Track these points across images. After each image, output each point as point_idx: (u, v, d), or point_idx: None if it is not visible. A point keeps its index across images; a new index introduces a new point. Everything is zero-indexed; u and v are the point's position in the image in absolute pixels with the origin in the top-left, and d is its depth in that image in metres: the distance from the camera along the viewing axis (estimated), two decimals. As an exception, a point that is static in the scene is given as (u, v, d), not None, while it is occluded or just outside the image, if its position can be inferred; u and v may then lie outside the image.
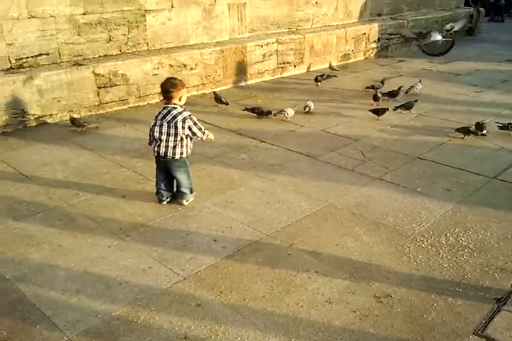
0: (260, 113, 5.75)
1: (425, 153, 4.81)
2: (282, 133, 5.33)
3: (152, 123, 3.55)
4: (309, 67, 8.34)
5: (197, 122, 3.54)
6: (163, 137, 3.49)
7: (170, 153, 3.53)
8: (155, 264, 3.00)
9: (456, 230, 3.44)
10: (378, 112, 5.71)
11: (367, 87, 6.82)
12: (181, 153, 3.56)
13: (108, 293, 2.75)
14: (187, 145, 3.58)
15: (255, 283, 2.86)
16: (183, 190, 3.69)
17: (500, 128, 5.32)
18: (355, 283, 2.87)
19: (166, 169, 3.64)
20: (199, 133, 3.55)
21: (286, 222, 3.51)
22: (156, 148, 3.56)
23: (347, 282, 2.88)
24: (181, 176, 3.64)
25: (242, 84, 7.31)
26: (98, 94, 5.80)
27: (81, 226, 3.41)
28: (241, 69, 7.28)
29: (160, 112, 3.54)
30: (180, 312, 2.61)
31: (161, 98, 6.25)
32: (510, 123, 5.29)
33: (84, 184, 4.04)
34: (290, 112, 5.70)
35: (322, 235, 3.37)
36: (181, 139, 3.51)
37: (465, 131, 5.17)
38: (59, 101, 5.50)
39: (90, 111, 5.78)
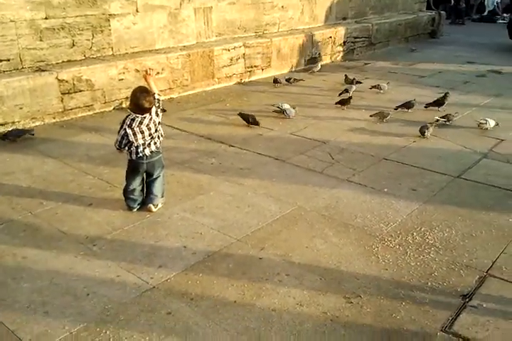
0: (251, 121, 5.58)
1: (391, 154, 4.90)
2: (251, 137, 5.34)
3: (129, 132, 3.42)
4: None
5: (155, 103, 3.50)
6: (148, 138, 3.48)
7: (154, 151, 3.54)
8: (123, 273, 2.95)
9: (423, 229, 3.51)
10: (383, 117, 5.84)
11: (339, 94, 6.73)
12: (160, 149, 3.60)
13: (75, 304, 2.68)
14: (160, 130, 3.59)
15: (226, 288, 2.84)
16: (155, 192, 3.64)
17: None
18: (326, 285, 2.89)
19: (144, 173, 3.61)
20: (160, 102, 3.57)
21: (256, 226, 3.51)
22: (140, 150, 3.49)
23: (317, 284, 2.90)
24: (160, 176, 3.65)
25: (210, 88, 7.29)
26: (62, 101, 5.68)
27: (46, 237, 3.33)
28: (209, 74, 7.26)
29: (133, 120, 3.43)
30: (150, 322, 2.57)
31: (128, 103, 6.25)
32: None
33: (49, 193, 3.94)
34: (290, 110, 5.91)
35: (292, 238, 3.38)
36: (158, 136, 3.56)
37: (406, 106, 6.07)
38: (21, 108, 5.36)
39: (54, 118, 5.65)
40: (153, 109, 3.48)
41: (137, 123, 3.43)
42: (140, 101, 3.38)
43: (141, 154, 3.50)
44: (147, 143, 3.50)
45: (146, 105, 3.39)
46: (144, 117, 3.44)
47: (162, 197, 3.72)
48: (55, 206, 3.73)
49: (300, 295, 2.80)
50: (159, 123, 3.55)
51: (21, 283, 2.84)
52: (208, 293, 2.80)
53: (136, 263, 3.05)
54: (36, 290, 2.79)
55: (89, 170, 4.38)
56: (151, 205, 3.65)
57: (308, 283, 2.90)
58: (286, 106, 5.96)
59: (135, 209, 3.67)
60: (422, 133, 5.31)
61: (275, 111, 6.02)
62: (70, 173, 4.31)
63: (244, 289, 2.84)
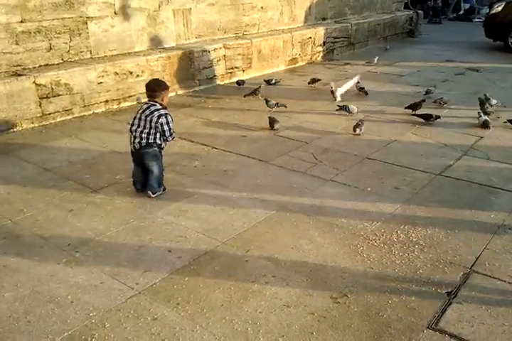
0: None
1: (373, 152, 4.93)
2: (234, 138, 5.32)
3: (133, 117, 3.83)
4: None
5: (170, 122, 3.82)
6: (139, 129, 3.76)
7: (144, 143, 3.77)
8: (107, 279, 2.90)
9: (406, 227, 3.54)
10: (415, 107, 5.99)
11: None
12: (153, 144, 3.78)
13: (59, 312, 2.63)
14: (160, 139, 3.83)
15: (213, 292, 2.82)
16: (152, 182, 3.85)
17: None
18: (312, 285, 2.89)
19: (140, 162, 3.85)
20: (167, 133, 3.83)
21: (241, 228, 3.49)
22: (131, 140, 3.82)
23: (304, 284, 2.89)
24: (153, 169, 3.83)
25: (191, 90, 7.24)
26: (40, 105, 5.58)
27: (27, 244, 3.26)
28: (189, 75, 7.22)
29: (141, 107, 3.84)
30: (136, 328, 2.53)
31: (108, 107, 6.20)
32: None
33: (29, 199, 3.86)
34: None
35: (278, 239, 3.37)
36: (155, 132, 3.77)
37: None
38: (-2, 113, 5.26)
39: (33, 123, 5.55)
40: (161, 120, 3.75)
41: (141, 111, 3.79)
42: (150, 82, 3.89)
43: (131, 141, 3.82)
44: (139, 132, 3.76)
45: (155, 86, 3.81)
46: (148, 107, 3.78)
47: (159, 187, 3.91)
48: (36, 212, 3.66)
49: (287, 296, 2.79)
50: (160, 132, 3.80)
51: (2, 292, 2.77)
52: (194, 297, 2.77)
53: (121, 268, 3.01)
54: (18, 299, 2.73)
55: (70, 175, 4.31)
56: (149, 192, 3.87)
57: (294, 283, 2.90)
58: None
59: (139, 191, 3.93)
60: (354, 130, 5.40)
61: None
62: (50, 179, 4.23)
63: (230, 292, 2.82)
